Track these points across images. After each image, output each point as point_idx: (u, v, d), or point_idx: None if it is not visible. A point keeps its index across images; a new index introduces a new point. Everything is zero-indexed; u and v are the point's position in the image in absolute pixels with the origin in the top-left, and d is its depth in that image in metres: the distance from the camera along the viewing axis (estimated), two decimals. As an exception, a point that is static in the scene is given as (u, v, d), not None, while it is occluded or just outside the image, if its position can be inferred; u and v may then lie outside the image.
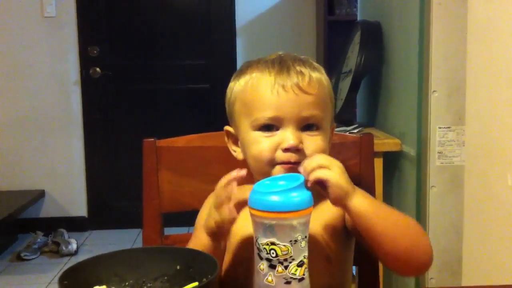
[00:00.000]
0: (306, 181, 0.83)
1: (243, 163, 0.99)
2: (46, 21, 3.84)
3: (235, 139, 1.03)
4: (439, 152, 1.79)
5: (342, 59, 2.44)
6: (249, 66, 1.00)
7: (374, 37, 2.24)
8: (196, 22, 3.95)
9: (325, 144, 0.96)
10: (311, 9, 3.94)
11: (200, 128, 1.07)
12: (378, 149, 1.99)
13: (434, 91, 1.77)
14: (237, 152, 1.03)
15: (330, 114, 1.00)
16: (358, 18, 2.64)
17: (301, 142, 0.92)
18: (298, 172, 0.85)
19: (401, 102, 2.08)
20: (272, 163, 0.92)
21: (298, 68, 0.95)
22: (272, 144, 0.93)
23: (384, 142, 2.05)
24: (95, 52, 3.89)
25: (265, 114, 0.94)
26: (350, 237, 1.03)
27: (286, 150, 0.92)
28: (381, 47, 2.25)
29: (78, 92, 3.93)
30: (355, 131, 2.15)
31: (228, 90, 1.02)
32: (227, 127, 1.05)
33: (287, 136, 0.92)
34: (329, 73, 1.04)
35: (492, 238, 1.81)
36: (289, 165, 0.91)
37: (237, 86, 1.00)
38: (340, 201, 0.85)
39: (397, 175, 2.11)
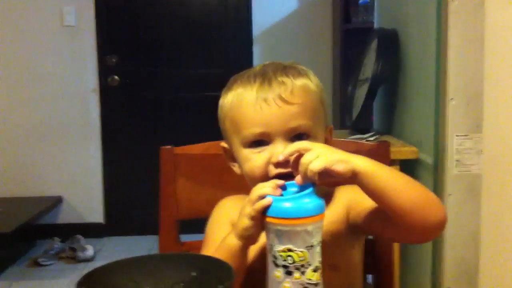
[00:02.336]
0: (314, 185, 0.82)
1: (243, 177, 0.99)
2: (65, 30, 3.89)
3: (232, 155, 1.02)
4: (457, 160, 1.78)
5: (358, 67, 2.44)
6: (235, 81, 1.00)
7: (391, 44, 2.24)
8: (214, 31, 3.97)
9: None
10: (327, 17, 3.94)
11: (218, 136, 1.07)
12: (395, 157, 1.98)
13: (452, 98, 1.76)
14: (236, 167, 1.03)
15: (322, 118, 0.98)
16: (375, 26, 2.64)
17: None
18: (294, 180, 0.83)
19: (418, 110, 2.07)
20: (266, 178, 0.90)
21: (280, 78, 0.94)
22: (263, 159, 0.93)
23: (401, 150, 2.04)
24: (113, 60, 3.93)
25: (252, 131, 0.94)
26: (356, 240, 1.01)
27: (277, 164, 0.91)
28: (398, 55, 2.24)
29: (96, 100, 3.97)
30: (372, 138, 2.14)
31: (219, 108, 1.02)
32: (223, 144, 1.05)
33: (277, 150, 0.92)
34: (345, 80, 1.04)
35: (509, 247, 1.79)
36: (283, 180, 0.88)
37: (225, 103, 1.00)
38: (348, 171, 0.82)
39: (414, 183, 2.10)
